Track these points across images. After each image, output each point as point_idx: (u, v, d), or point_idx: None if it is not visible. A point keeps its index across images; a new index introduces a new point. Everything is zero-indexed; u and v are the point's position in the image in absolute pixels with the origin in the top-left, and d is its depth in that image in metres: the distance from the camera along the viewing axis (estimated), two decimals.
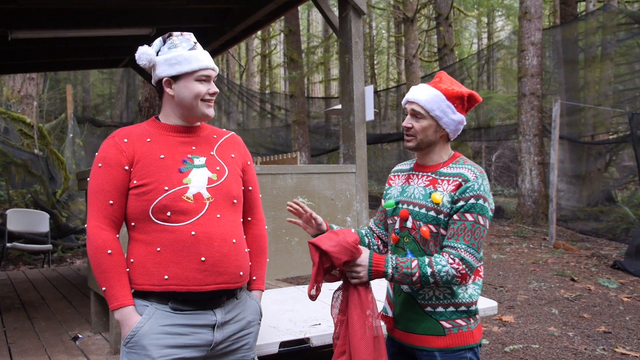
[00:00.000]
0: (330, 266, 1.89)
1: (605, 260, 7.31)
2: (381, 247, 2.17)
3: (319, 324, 2.97)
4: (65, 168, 9.74)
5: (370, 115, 4.21)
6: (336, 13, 4.58)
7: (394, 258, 1.85)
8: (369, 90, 4.26)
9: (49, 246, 7.39)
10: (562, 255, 7.64)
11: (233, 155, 2.00)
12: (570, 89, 11.31)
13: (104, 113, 21.36)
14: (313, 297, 1.92)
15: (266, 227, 2.16)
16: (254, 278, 2.04)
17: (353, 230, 1.98)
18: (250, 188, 2.06)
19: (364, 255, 1.85)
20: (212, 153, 1.94)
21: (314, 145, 16.81)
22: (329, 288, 3.87)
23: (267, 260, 2.12)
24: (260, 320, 2.01)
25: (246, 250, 1.97)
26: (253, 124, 21.01)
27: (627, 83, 11.32)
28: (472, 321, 1.92)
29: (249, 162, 2.07)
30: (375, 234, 2.17)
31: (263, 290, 2.09)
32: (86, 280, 5.68)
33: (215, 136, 2.01)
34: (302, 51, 15.84)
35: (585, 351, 4.19)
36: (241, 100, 20.41)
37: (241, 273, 1.89)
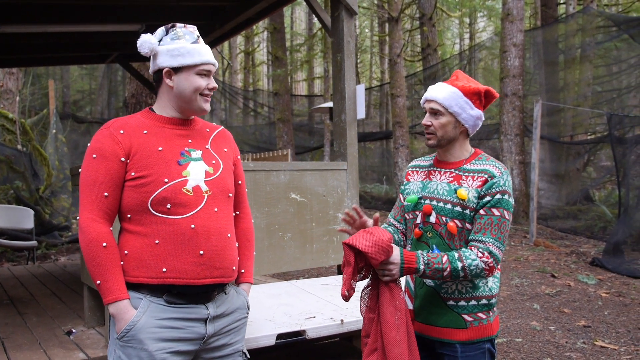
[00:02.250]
0: (364, 265, 1.87)
1: (584, 257, 7.49)
2: (406, 243, 2.17)
3: (314, 317, 3.03)
4: (48, 164, 9.62)
5: (361, 114, 4.29)
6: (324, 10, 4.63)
7: (424, 254, 1.87)
8: (360, 88, 4.35)
9: (33, 243, 7.32)
10: (543, 253, 7.81)
11: (226, 150, 2.01)
12: (551, 89, 11.50)
13: (84, 109, 21.07)
14: (347, 298, 1.88)
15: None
16: (243, 271, 2.05)
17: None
18: (239, 182, 2.07)
19: (395, 253, 1.86)
20: (207, 147, 1.95)
21: (298, 143, 16.79)
22: (322, 283, 3.95)
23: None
24: (247, 314, 2.03)
25: (236, 244, 1.99)
26: (236, 121, 20.93)
27: (605, 85, 11.54)
28: (491, 313, 1.97)
29: (238, 157, 2.10)
30: (399, 230, 2.17)
31: (252, 283, 2.10)
32: (74, 276, 5.66)
33: (207, 130, 2.01)
34: (286, 49, 15.86)
35: (566, 344, 4.32)
36: (224, 97, 20.32)
37: (234, 267, 1.91)
